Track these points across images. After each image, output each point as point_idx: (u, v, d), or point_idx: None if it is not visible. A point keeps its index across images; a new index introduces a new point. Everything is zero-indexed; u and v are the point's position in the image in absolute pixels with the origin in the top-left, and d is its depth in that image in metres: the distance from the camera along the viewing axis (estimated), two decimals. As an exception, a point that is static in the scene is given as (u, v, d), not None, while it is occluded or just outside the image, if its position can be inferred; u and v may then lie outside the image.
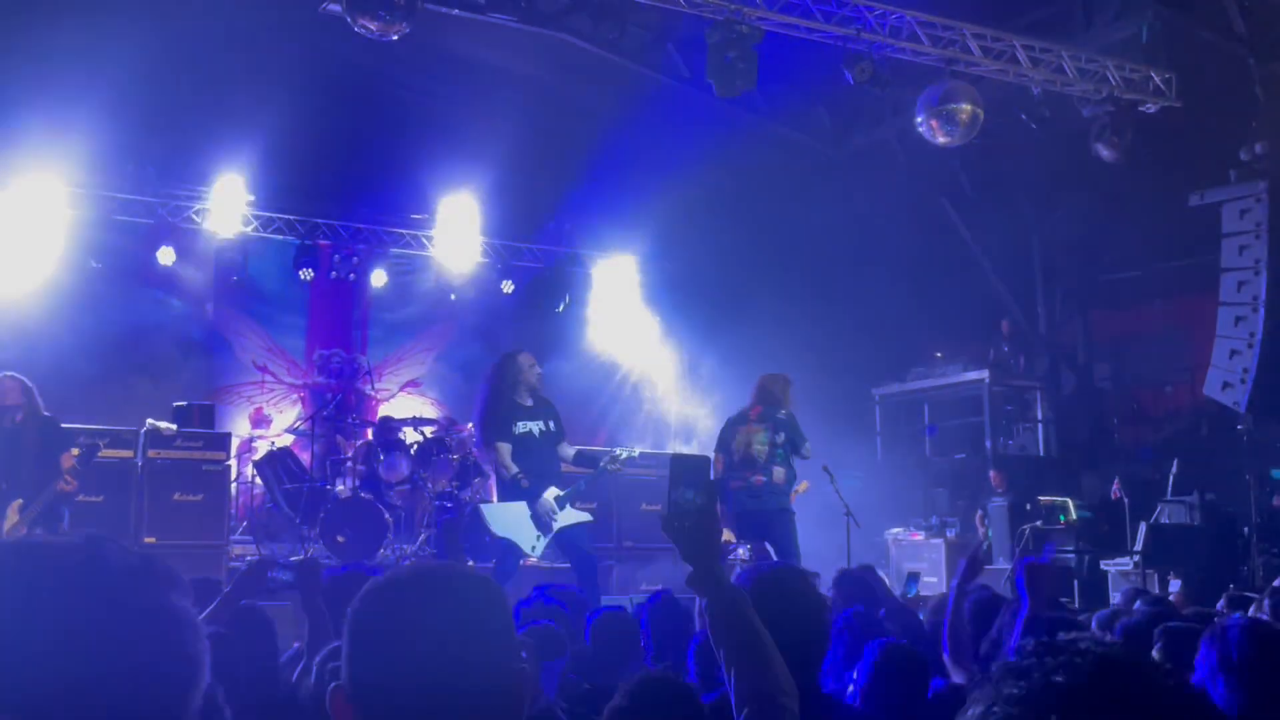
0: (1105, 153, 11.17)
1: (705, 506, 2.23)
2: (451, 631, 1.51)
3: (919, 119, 10.67)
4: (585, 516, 8.38)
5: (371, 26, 8.55)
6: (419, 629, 1.51)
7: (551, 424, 8.29)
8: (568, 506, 8.17)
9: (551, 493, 8.09)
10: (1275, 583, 3.73)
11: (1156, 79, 11.26)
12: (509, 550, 8.07)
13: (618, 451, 8.64)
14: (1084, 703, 0.93)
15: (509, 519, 8.08)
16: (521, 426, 8.15)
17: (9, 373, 7.72)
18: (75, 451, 7.73)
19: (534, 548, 8.15)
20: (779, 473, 8.84)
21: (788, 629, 2.45)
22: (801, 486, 9.80)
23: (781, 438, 8.89)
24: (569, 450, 8.43)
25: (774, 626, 2.26)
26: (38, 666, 1.21)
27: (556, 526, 8.09)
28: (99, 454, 8.02)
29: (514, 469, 7.99)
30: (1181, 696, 0.96)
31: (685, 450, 11.75)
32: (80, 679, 1.22)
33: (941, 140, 10.71)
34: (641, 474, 12.35)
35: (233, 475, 11.30)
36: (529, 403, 8.27)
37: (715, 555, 2.24)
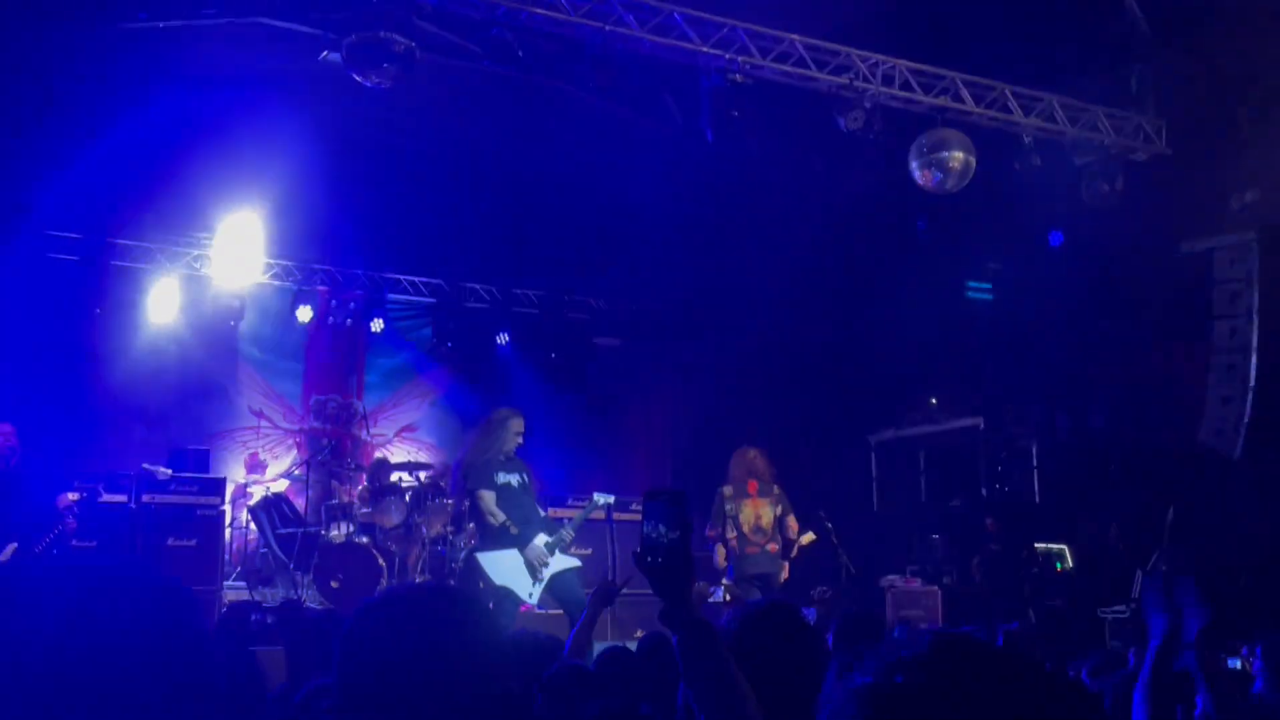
0: (1096, 200, 11.26)
1: (678, 542, 2.22)
2: (442, 648, 1.53)
3: (912, 166, 10.77)
4: (575, 562, 8.46)
5: (370, 75, 8.65)
6: (410, 646, 1.53)
7: (526, 478, 8.42)
8: (557, 552, 8.21)
9: (541, 539, 8.12)
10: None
11: (1147, 127, 11.38)
12: (506, 598, 8.08)
13: (596, 498, 8.94)
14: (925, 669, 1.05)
15: (505, 567, 8.10)
16: (501, 478, 8.27)
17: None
18: (73, 496, 7.74)
19: (531, 594, 8.18)
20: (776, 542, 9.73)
21: (780, 666, 2.43)
22: (807, 538, 10.08)
23: (780, 509, 9.79)
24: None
25: (766, 664, 2.24)
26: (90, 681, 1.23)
27: (549, 573, 8.12)
28: (98, 499, 8.02)
29: (501, 516, 8.08)
30: (1020, 667, 1.06)
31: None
32: (114, 698, 1.23)
33: (934, 187, 10.80)
34: (635, 519, 12.34)
35: (227, 520, 11.28)
36: (503, 459, 8.40)
37: (688, 591, 2.22)
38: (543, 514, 8.57)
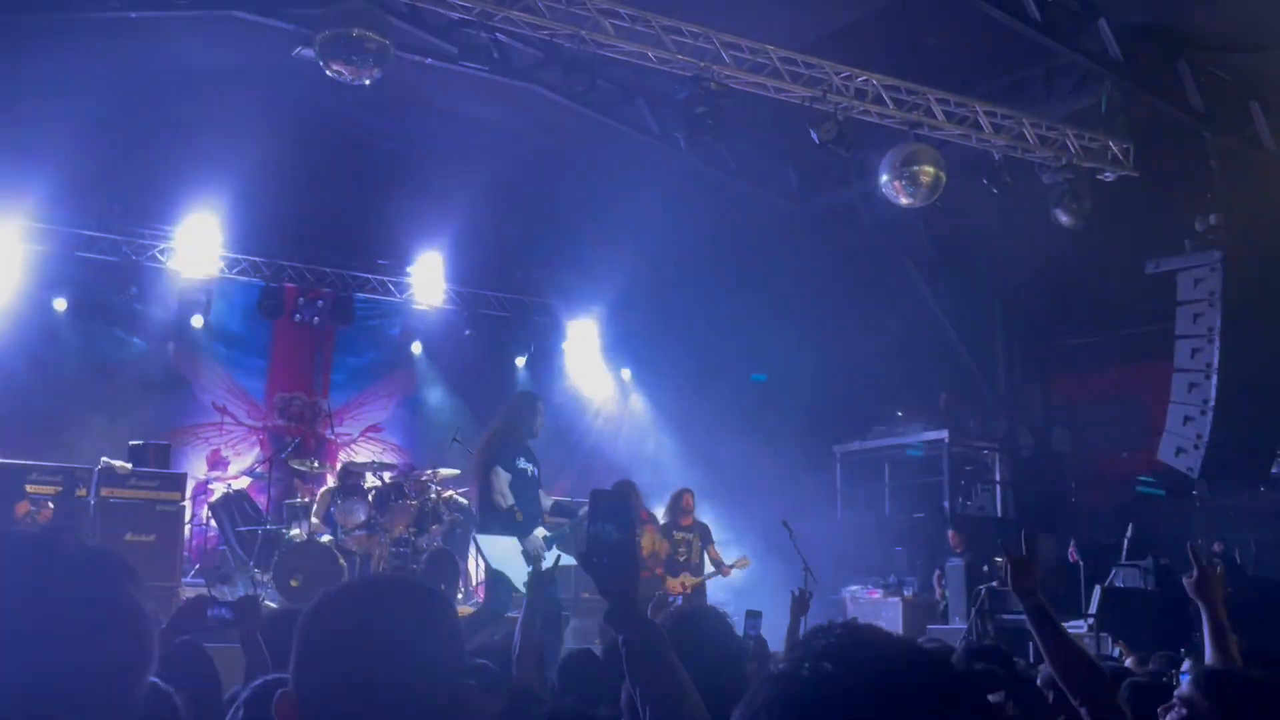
0: (1064, 219, 11.37)
1: (623, 541, 2.22)
2: (399, 639, 1.53)
3: (883, 179, 10.84)
4: (571, 562, 8.37)
5: (343, 71, 8.61)
6: (366, 636, 1.52)
7: (538, 470, 8.32)
8: (554, 548, 8.14)
9: (540, 532, 8.05)
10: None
11: (1114, 148, 11.50)
12: (500, 582, 8.02)
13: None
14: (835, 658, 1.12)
15: (503, 552, 7.99)
16: (522, 463, 8.12)
17: None
18: (26, 507, 7.67)
19: (524, 584, 8.11)
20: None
21: (703, 669, 2.45)
22: (743, 562, 10.55)
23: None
24: (547, 500, 8.46)
25: (689, 665, 2.26)
26: None
27: (544, 566, 8.04)
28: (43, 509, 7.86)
29: (510, 499, 7.90)
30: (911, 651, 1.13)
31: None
32: (38, 663, 1.24)
33: (904, 201, 10.88)
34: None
35: (187, 516, 11.18)
36: (527, 445, 8.28)
37: (633, 590, 2.22)
38: (544, 508, 8.45)
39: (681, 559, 10.17)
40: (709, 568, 10.33)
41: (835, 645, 1.12)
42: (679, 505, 10.38)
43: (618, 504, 2.27)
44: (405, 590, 1.65)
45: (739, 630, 6.26)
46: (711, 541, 10.46)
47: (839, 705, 1.08)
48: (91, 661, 1.28)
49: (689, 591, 10.04)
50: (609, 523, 2.22)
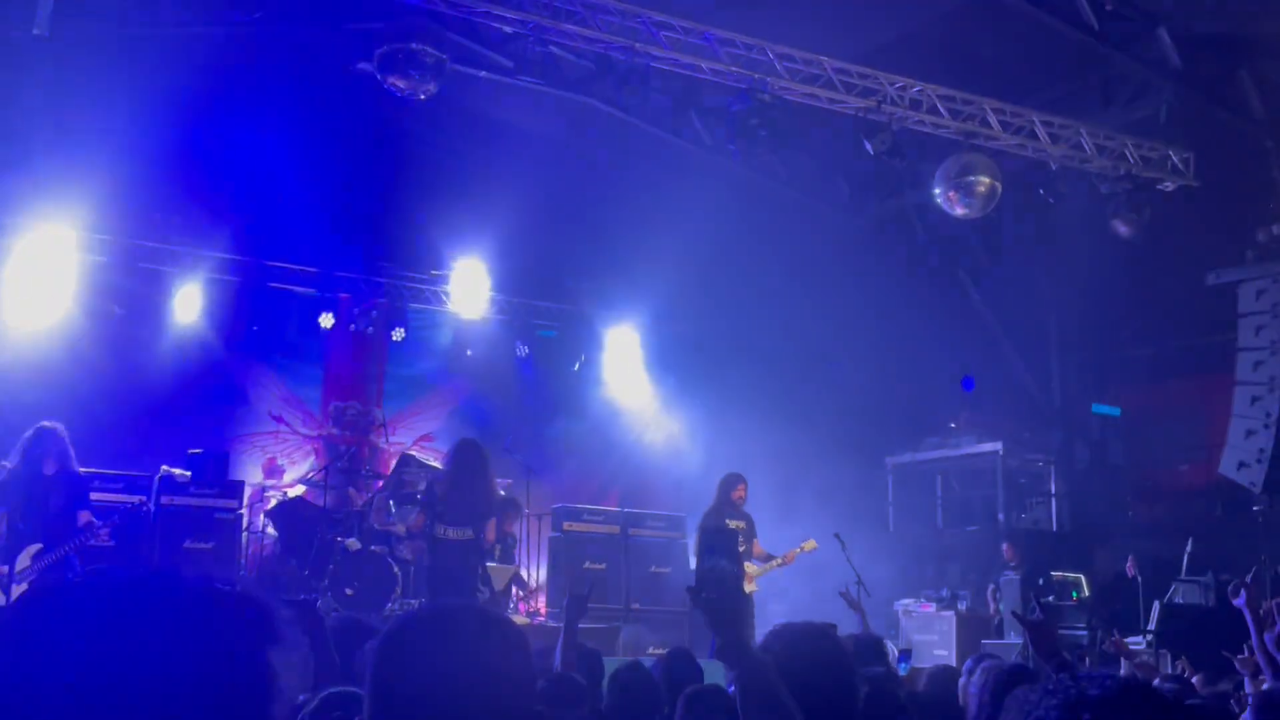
0: (1122, 229, 11.23)
1: (735, 577, 2.25)
2: (471, 671, 1.54)
3: (937, 190, 10.77)
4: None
5: (401, 85, 8.72)
6: (440, 666, 1.54)
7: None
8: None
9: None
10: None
11: (1174, 158, 11.35)
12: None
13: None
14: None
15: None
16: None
17: (52, 424, 7.77)
18: (87, 516, 7.79)
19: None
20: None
21: (814, 692, 2.41)
22: (810, 544, 10.13)
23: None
24: None
25: (799, 690, 2.24)
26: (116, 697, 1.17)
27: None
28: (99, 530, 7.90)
29: None
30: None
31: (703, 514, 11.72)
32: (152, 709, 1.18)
33: (959, 212, 10.80)
34: (651, 535, 12.36)
35: (244, 524, 11.31)
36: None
37: (743, 624, 2.23)
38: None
39: (739, 549, 9.56)
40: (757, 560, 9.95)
41: (1114, 697, 1.13)
42: (730, 495, 9.93)
43: (728, 540, 2.29)
44: (479, 620, 1.65)
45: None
46: (755, 537, 10.04)
47: None
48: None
49: (751, 583, 9.77)
50: (720, 559, 2.25)
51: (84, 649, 1.18)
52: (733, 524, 9.76)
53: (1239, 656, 4.19)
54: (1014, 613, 3.58)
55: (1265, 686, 3.17)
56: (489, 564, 9.42)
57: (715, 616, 2.21)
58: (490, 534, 8.49)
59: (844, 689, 2.74)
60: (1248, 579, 3.98)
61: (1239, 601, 3.88)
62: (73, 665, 1.17)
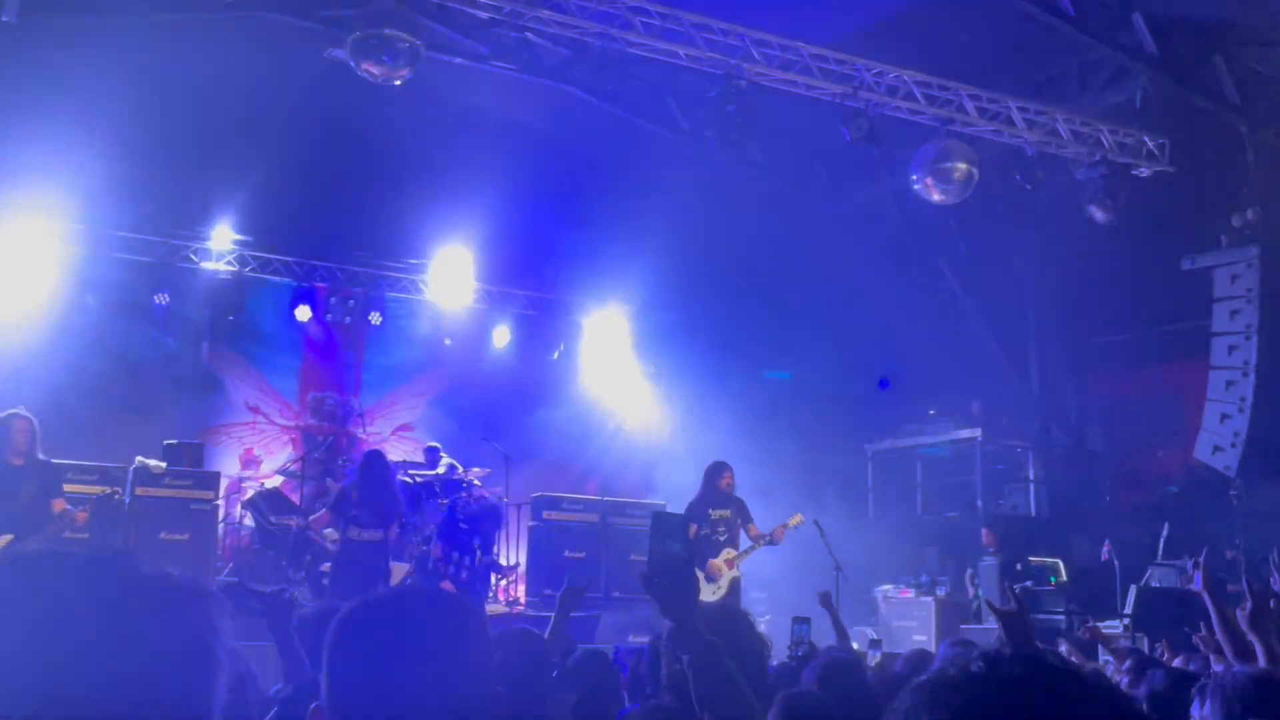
0: (1099, 215, 11.26)
1: (685, 562, 2.27)
2: (429, 651, 1.52)
3: (915, 177, 10.77)
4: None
5: (375, 72, 8.64)
6: (396, 649, 1.52)
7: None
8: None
9: None
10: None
11: (1150, 143, 11.38)
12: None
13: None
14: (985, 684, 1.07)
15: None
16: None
17: (20, 412, 7.68)
18: (62, 505, 7.70)
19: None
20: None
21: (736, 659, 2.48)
22: (797, 519, 9.90)
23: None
24: None
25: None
26: (74, 673, 1.19)
27: None
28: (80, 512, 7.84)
29: None
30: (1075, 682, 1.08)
31: (667, 501, 11.71)
32: (113, 686, 1.19)
33: (937, 198, 10.80)
34: (631, 524, 12.35)
35: (220, 515, 11.24)
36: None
37: (695, 610, 2.26)
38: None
39: (722, 538, 9.68)
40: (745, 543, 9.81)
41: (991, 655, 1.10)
42: (717, 483, 9.80)
43: (678, 526, 2.30)
44: (435, 601, 1.64)
45: (787, 634, 6.32)
46: (750, 519, 9.86)
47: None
48: (146, 703, 1.21)
49: (735, 569, 9.75)
50: (671, 544, 2.25)
51: (25, 621, 1.20)
52: (717, 513, 9.72)
53: (1198, 635, 4.21)
54: (987, 602, 3.62)
55: (1219, 668, 3.18)
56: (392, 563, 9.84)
57: (667, 603, 2.24)
58: (393, 537, 9.35)
59: (752, 662, 2.89)
60: (1200, 559, 4.00)
61: (1195, 585, 3.90)
62: (15, 636, 1.19)
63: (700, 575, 9.64)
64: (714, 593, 9.58)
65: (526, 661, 3.63)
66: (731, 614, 3.16)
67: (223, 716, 1.28)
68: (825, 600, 7.33)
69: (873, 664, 7.01)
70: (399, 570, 10.50)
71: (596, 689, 4.40)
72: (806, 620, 6.10)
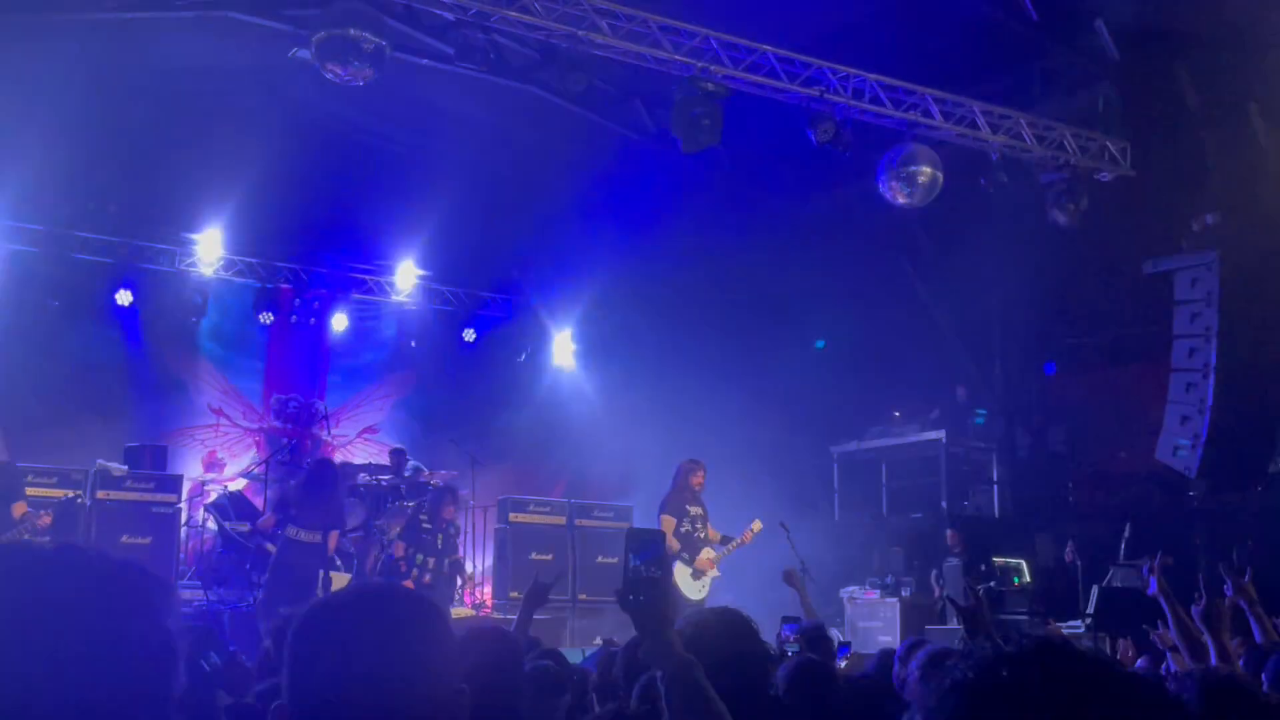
0: (1061, 218, 11.36)
1: (660, 578, 2.24)
2: (388, 649, 1.52)
3: (880, 180, 10.83)
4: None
5: (339, 72, 8.59)
6: (356, 647, 1.51)
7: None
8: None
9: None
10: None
11: (1111, 148, 11.50)
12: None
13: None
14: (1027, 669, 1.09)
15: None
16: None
17: None
18: (23, 508, 7.62)
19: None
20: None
21: (727, 676, 2.43)
22: (757, 526, 10.04)
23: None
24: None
25: (712, 673, 2.26)
26: (32, 664, 1.20)
27: None
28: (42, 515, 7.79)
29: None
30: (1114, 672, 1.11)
31: (646, 507, 11.72)
32: (53, 687, 1.20)
33: (901, 201, 10.87)
34: (598, 526, 12.33)
35: (183, 519, 11.14)
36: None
37: (669, 626, 2.24)
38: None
39: (700, 535, 9.88)
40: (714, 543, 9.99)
41: (1032, 652, 1.12)
42: (689, 480, 9.96)
43: (653, 542, 2.29)
44: (395, 599, 1.63)
45: (771, 636, 6.32)
46: (708, 521, 10.12)
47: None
48: (111, 689, 1.23)
49: (714, 568, 9.85)
50: (644, 560, 2.24)
51: None
52: (694, 510, 9.82)
53: (1156, 632, 4.27)
54: (949, 599, 3.66)
55: (1177, 670, 3.22)
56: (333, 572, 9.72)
57: (643, 619, 2.22)
58: (332, 544, 9.22)
59: (754, 666, 2.84)
60: (1155, 563, 4.05)
61: (1151, 591, 3.95)
62: None
63: (688, 571, 9.71)
64: (700, 590, 9.67)
65: (496, 661, 3.61)
66: (735, 623, 3.03)
67: (181, 699, 1.30)
68: (790, 578, 7.26)
69: (843, 664, 7.02)
70: (339, 580, 10.40)
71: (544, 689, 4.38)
72: (796, 620, 6.13)
